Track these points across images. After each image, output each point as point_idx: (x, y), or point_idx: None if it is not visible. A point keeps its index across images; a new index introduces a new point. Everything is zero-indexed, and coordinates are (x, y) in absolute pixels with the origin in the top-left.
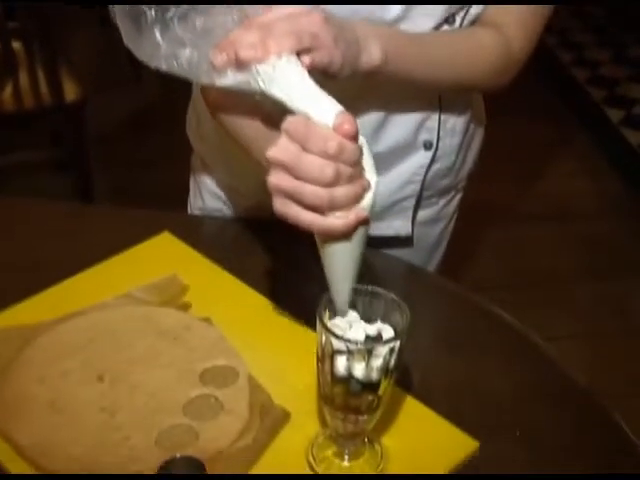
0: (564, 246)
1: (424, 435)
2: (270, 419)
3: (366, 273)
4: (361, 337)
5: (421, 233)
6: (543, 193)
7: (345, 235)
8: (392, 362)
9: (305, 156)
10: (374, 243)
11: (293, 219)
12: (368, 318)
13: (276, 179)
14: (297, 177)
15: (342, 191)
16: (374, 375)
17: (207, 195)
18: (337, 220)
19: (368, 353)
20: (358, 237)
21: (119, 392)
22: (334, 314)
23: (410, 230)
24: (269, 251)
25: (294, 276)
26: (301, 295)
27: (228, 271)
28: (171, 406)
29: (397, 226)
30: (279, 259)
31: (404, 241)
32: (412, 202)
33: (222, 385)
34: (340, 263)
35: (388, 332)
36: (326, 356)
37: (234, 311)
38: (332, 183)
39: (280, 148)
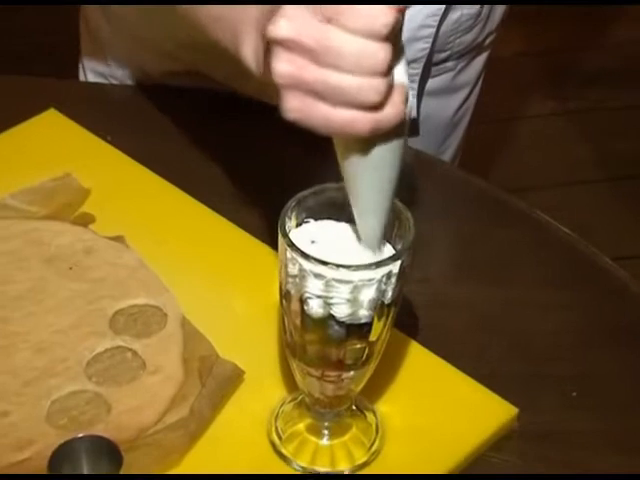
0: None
1: (436, 399)
2: (214, 381)
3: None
4: (346, 257)
5: (431, 110)
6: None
7: (395, 133)
8: (389, 293)
9: (338, 34)
10: None
11: (320, 121)
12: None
13: (294, 67)
14: (324, 64)
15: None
16: (363, 313)
17: (112, 56)
18: (391, 109)
19: (354, 281)
20: (400, 145)
21: None
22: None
23: (414, 110)
24: (209, 133)
25: (250, 169)
26: (259, 197)
27: (148, 166)
28: (68, 365)
29: None
30: (222, 145)
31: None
32: (418, 68)
33: (143, 333)
34: (376, 182)
35: (384, 250)
36: (293, 289)
37: (158, 226)
38: (383, 72)
39: (297, 22)
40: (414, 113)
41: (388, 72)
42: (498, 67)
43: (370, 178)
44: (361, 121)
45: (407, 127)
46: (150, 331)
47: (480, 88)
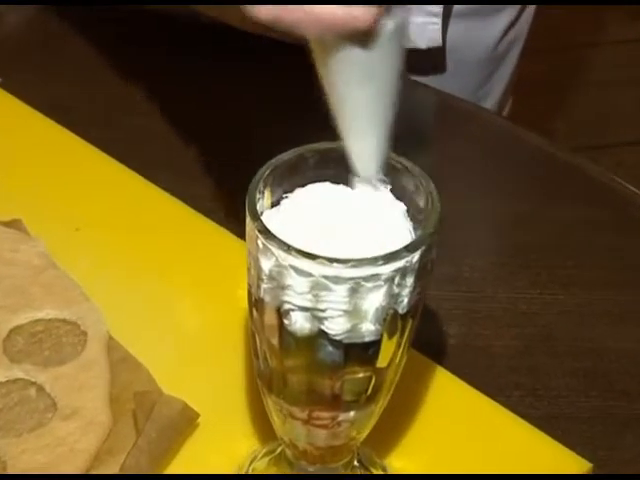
0: None
1: (474, 450)
2: (156, 427)
3: None
4: (347, 249)
5: (462, 38)
6: None
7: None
8: (404, 300)
9: None
10: None
11: (305, 16)
12: None
13: None
14: None
15: None
16: (367, 328)
17: None
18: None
19: (357, 283)
20: (395, 47)
21: None
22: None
23: (439, 34)
24: (145, 72)
25: (203, 125)
26: (217, 164)
27: (55, 118)
28: None
29: (413, 30)
30: (164, 89)
31: (429, 58)
32: None
33: (51, 361)
34: (364, 94)
35: (398, 236)
36: (268, 295)
37: (73, 204)
38: None
39: None
40: (437, 39)
41: None
42: None
43: (361, 88)
44: (361, 12)
45: (406, 25)
46: (62, 357)
47: (534, 7)
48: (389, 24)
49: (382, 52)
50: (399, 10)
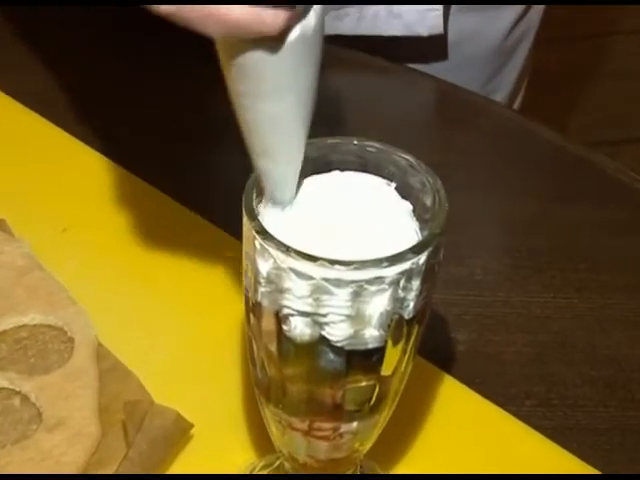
0: None
1: (485, 461)
2: (147, 438)
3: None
4: (349, 250)
5: (469, 29)
6: None
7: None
8: (410, 304)
9: None
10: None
11: (207, 16)
12: None
13: None
14: None
15: None
16: (371, 334)
17: None
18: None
19: (360, 286)
20: (309, 56)
21: None
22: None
23: (440, 21)
24: (125, 59)
25: (193, 117)
26: (210, 159)
27: (53, 120)
28: None
29: (411, 18)
30: (149, 80)
31: (431, 47)
32: None
33: (36, 369)
34: (273, 109)
35: (403, 237)
36: (266, 299)
37: (63, 207)
38: None
39: None
40: (439, 26)
41: None
42: None
43: (269, 102)
44: (271, 15)
45: (321, 32)
46: (48, 365)
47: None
48: (300, 29)
49: (294, 61)
50: (314, 12)
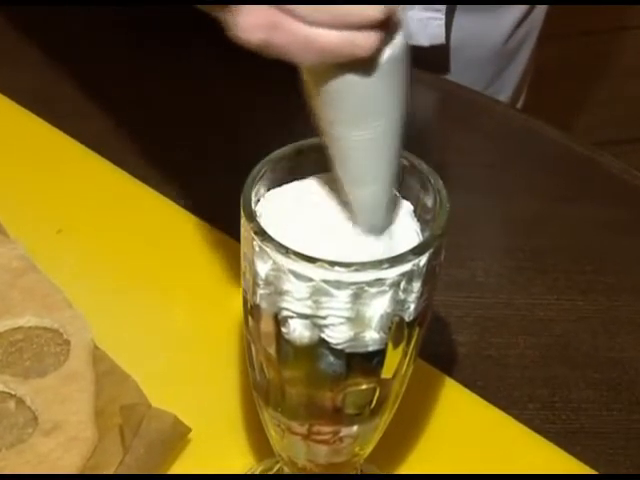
0: None
1: (488, 465)
2: (145, 442)
3: None
4: (349, 251)
5: (469, 33)
6: None
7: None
8: (411, 306)
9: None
10: None
11: (296, 43)
12: None
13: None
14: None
15: None
16: (372, 336)
17: None
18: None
19: (360, 288)
20: (398, 78)
21: None
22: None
23: (442, 30)
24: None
25: (192, 117)
26: (209, 161)
27: (49, 119)
28: None
29: (412, 27)
30: (146, 75)
31: (432, 56)
32: None
33: (32, 372)
34: (372, 133)
35: (404, 238)
36: (264, 302)
37: (59, 208)
38: None
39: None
40: (440, 35)
41: None
42: None
43: (362, 128)
44: (363, 38)
45: (408, 52)
46: (43, 368)
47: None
48: (391, 50)
49: (386, 83)
50: (400, 35)
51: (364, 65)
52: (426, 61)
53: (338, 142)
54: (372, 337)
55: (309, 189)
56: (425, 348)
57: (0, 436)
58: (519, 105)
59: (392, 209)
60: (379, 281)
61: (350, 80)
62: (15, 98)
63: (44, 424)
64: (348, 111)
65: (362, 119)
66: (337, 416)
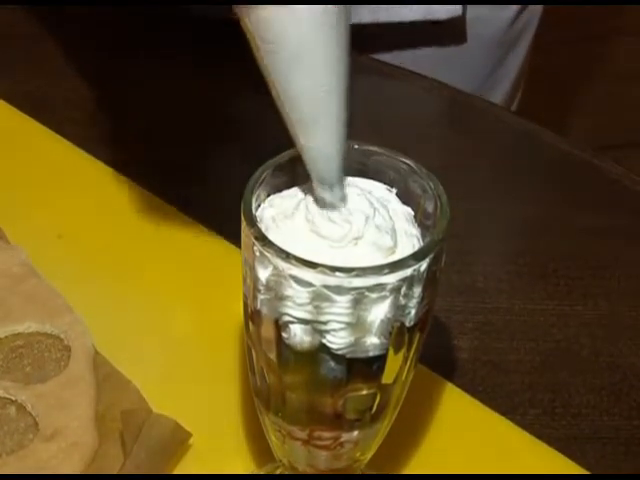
0: None
1: (488, 473)
2: (145, 448)
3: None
4: (350, 256)
5: (483, 14)
6: None
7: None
8: (412, 311)
9: None
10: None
11: None
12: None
13: None
14: None
15: None
16: (372, 342)
17: None
18: None
19: (361, 293)
20: (336, 21)
21: None
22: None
23: (459, 6)
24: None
25: (192, 121)
26: (209, 166)
27: (48, 124)
28: None
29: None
30: (149, 81)
31: (449, 30)
32: None
33: (33, 378)
34: (311, 80)
35: (405, 243)
36: (265, 307)
37: (59, 213)
38: None
39: None
40: (458, 8)
41: None
42: None
43: (301, 69)
44: None
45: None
46: (44, 374)
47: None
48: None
49: (320, 30)
50: None
51: (301, 12)
52: (444, 35)
53: (279, 87)
54: (373, 342)
55: (310, 194)
56: (426, 353)
57: (1, 442)
58: (514, 106)
59: (344, 165)
60: (380, 286)
61: (287, 29)
62: (15, 103)
63: (45, 430)
64: (285, 55)
65: (298, 62)
66: (338, 421)
